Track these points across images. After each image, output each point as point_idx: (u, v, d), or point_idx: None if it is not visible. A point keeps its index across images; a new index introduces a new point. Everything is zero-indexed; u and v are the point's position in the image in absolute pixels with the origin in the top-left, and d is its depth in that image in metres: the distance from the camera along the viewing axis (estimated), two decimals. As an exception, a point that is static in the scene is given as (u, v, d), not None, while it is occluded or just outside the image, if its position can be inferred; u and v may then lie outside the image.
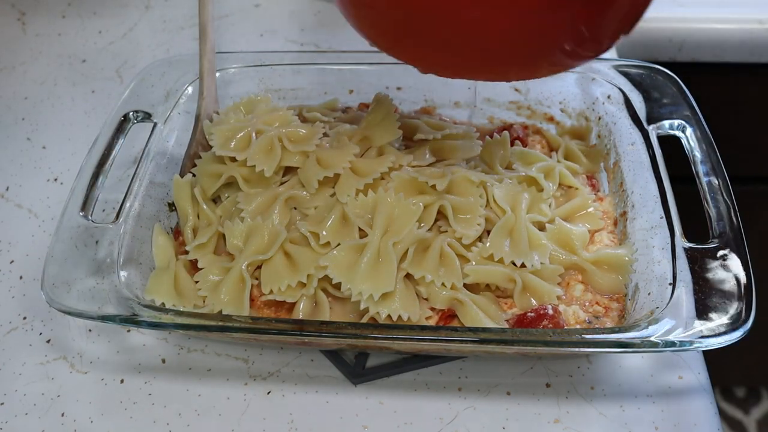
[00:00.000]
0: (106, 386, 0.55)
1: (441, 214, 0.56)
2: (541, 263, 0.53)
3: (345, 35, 0.85)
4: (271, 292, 0.53)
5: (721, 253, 0.49)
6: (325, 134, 0.61)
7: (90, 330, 0.58)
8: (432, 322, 0.52)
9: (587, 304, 0.53)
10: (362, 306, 0.51)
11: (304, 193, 0.57)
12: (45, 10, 0.92)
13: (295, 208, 0.58)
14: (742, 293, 0.47)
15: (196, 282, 0.54)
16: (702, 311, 0.46)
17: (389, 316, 0.50)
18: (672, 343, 0.45)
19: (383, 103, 0.61)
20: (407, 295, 0.52)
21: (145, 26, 0.88)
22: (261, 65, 0.68)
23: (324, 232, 0.54)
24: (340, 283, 0.52)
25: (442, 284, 0.52)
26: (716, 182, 0.54)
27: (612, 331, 0.46)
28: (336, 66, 0.68)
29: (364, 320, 0.51)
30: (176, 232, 0.60)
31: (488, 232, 0.55)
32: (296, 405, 0.53)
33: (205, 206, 0.58)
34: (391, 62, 0.67)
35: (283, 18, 0.89)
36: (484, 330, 0.49)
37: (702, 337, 0.45)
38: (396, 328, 0.49)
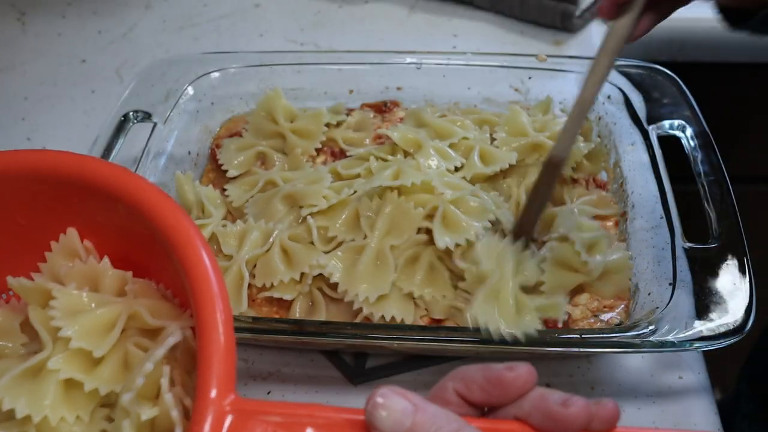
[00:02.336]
0: (106, 386, 0.55)
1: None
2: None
3: (345, 35, 0.85)
4: (265, 287, 0.53)
5: (721, 253, 0.49)
6: None
7: (90, 330, 0.58)
8: (424, 322, 0.52)
9: (591, 306, 0.53)
10: (355, 306, 0.51)
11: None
12: (45, 10, 0.91)
13: (302, 207, 0.57)
14: (742, 293, 0.47)
15: (196, 282, 0.54)
16: (702, 311, 0.46)
17: (383, 317, 0.50)
18: (672, 343, 0.45)
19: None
20: (403, 298, 0.52)
21: (145, 26, 0.88)
22: (261, 65, 0.68)
23: (338, 225, 0.54)
24: (336, 284, 0.52)
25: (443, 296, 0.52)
26: (716, 182, 0.54)
27: (612, 331, 0.46)
28: (336, 66, 0.68)
29: (358, 320, 0.51)
30: (176, 232, 0.59)
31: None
32: (296, 405, 0.53)
33: (207, 204, 0.58)
34: (391, 62, 0.68)
35: (283, 18, 0.89)
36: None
37: (702, 337, 0.45)
38: (397, 329, 0.49)
